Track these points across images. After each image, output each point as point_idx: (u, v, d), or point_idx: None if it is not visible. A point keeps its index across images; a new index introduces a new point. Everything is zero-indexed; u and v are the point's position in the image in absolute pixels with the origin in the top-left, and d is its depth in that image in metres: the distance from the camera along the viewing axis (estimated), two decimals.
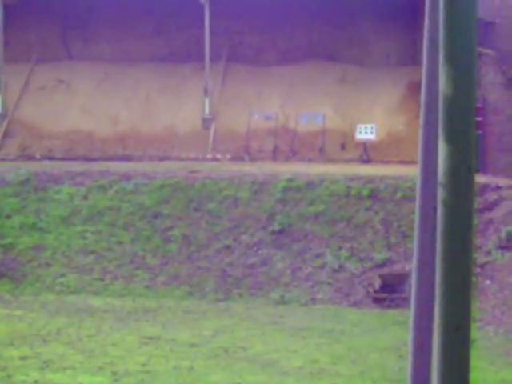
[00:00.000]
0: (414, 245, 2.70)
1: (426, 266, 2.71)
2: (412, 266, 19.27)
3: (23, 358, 19.26)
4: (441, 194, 2.14)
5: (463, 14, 2.04)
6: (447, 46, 1.99)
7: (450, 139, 2.07)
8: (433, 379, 1.99)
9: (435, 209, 2.15)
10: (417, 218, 2.64)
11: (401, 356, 20.15)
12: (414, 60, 36.65)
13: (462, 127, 2.07)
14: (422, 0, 23.77)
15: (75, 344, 20.93)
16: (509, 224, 27.93)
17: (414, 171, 29.77)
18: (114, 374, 18.27)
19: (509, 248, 27.23)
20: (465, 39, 1.98)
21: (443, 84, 2.02)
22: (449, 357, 2.12)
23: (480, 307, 22.41)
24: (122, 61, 38.08)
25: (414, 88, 36.33)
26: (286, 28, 37.81)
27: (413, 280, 2.67)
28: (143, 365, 19.19)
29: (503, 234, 27.48)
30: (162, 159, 33.80)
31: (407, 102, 35.98)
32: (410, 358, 2.72)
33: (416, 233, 2.68)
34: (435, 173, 2.31)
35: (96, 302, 26.48)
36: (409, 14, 36.19)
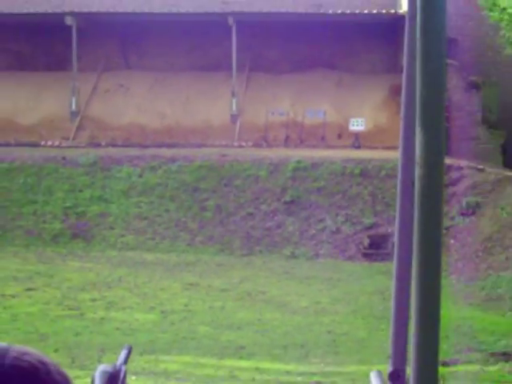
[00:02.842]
0: (396, 211, 2.68)
1: (405, 228, 2.71)
2: (394, 229, 19.20)
3: (93, 300, 19.32)
4: (417, 171, 2.13)
5: (435, 34, 2.05)
6: (423, 58, 1.99)
7: (425, 130, 2.09)
8: (411, 314, 2.02)
9: (413, 183, 2.14)
10: (398, 190, 2.63)
11: (384, 298, 20.10)
12: (394, 68, 36.50)
13: (434, 121, 2.08)
14: (401, 21, 23.64)
15: (133, 289, 20.99)
16: (468, 195, 27.96)
17: (394, 155, 29.55)
18: (163, 312, 18.32)
19: (468, 214, 27.32)
20: (436, 53, 1.97)
21: (419, 87, 2.02)
22: (423, 297, 2.12)
23: (446, 261, 22.34)
24: (168, 70, 38.02)
25: (395, 90, 36.22)
26: (296, 44, 37.74)
27: (395, 239, 2.66)
28: (185, 305, 19.22)
29: (463, 204, 27.59)
30: (199, 146, 33.74)
31: (389, 101, 35.88)
32: (392, 300, 2.72)
33: (397, 202, 2.67)
34: (413, 156, 2.31)
35: (149, 256, 26.52)
36: (391, 32, 36.13)
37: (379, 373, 3.01)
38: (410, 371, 3.00)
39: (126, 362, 3.08)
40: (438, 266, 2.16)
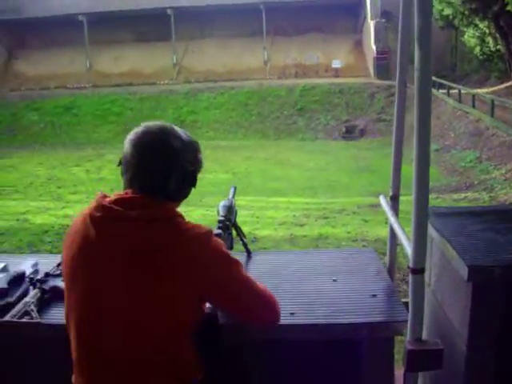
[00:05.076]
0: (396, 104, 2.43)
1: (400, 112, 2.50)
2: (359, 121, 18.74)
3: None
4: (416, 74, 1.95)
5: None
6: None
7: (421, 49, 1.92)
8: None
9: (406, 85, 2.00)
10: (397, 91, 2.39)
11: (356, 161, 20.01)
12: (356, 30, 35.93)
13: (426, 43, 1.92)
14: (360, 2, 22.95)
15: (215, 161, 20.90)
16: None
17: (358, 80, 29.18)
18: (234, 173, 18.32)
19: None
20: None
21: (417, 28, 1.86)
22: (421, 150, 1.99)
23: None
24: (227, 37, 37.64)
25: (357, 43, 35.68)
26: (300, 18, 37.24)
27: (394, 119, 2.43)
28: (246, 169, 19.22)
29: None
30: (246, 80, 33.46)
31: (354, 49, 35.38)
32: (392, 149, 2.48)
33: (396, 98, 2.43)
34: (406, 68, 2.16)
35: (222, 143, 26.51)
36: (354, 10, 35.54)
37: (384, 195, 2.91)
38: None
39: (233, 196, 3.00)
40: (429, 126, 1.98)
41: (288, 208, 11.88)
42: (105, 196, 1.97)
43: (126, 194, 1.95)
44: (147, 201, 1.92)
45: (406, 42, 2.52)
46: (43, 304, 2.46)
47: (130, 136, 1.99)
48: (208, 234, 1.97)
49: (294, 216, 10.96)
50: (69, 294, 1.96)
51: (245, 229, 9.81)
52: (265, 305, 2.11)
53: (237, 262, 2.02)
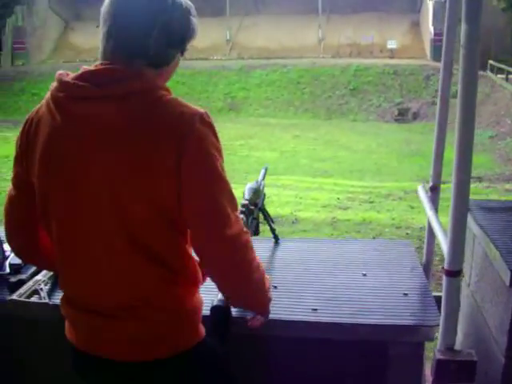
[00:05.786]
0: (440, 83, 2.27)
1: (444, 94, 2.29)
2: (412, 104, 18.25)
3: (241, 145, 19.19)
4: (461, 51, 1.75)
5: None
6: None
7: (469, 24, 1.70)
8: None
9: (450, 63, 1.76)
10: (441, 68, 2.18)
11: (407, 144, 19.61)
12: (414, 10, 35.23)
13: (475, 16, 1.70)
14: None
15: (263, 138, 20.88)
16: None
17: (413, 61, 28.64)
18: (281, 151, 18.15)
19: None
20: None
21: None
22: (463, 135, 1.77)
23: None
24: (282, 14, 37.32)
25: (414, 23, 34.93)
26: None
27: (438, 99, 2.25)
28: (293, 147, 19.06)
29: None
30: (299, 58, 33.10)
31: (411, 29, 34.66)
32: (434, 137, 2.30)
33: (440, 76, 2.24)
34: (452, 45, 1.94)
35: (272, 120, 26.35)
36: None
37: (423, 185, 2.71)
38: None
39: (263, 178, 2.83)
40: (474, 109, 1.77)
41: (333, 190, 11.62)
42: (67, 74, 1.66)
43: (95, 66, 1.65)
44: (121, 71, 1.61)
45: (453, 19, 2.29)
46: (56, 283, 2.35)
47: None
48: (204, 115, 1.66)
49: (338, 199, 10.70)
50: (45, 190, 1.69)
51: (287, 209, 9.65)
52: (228, 238, 1.64)
53: (225, 181, 1.68)
